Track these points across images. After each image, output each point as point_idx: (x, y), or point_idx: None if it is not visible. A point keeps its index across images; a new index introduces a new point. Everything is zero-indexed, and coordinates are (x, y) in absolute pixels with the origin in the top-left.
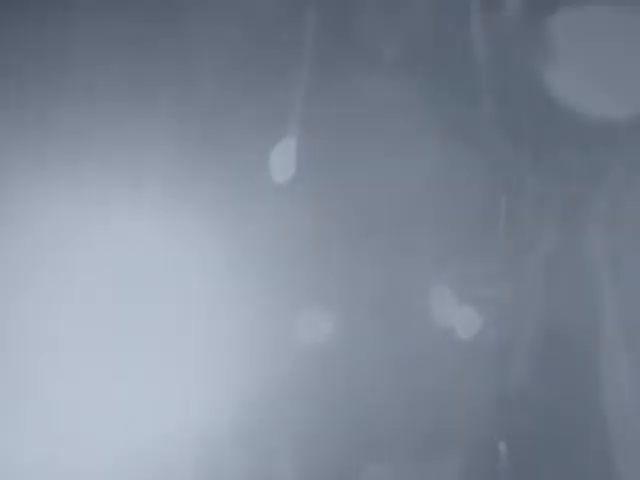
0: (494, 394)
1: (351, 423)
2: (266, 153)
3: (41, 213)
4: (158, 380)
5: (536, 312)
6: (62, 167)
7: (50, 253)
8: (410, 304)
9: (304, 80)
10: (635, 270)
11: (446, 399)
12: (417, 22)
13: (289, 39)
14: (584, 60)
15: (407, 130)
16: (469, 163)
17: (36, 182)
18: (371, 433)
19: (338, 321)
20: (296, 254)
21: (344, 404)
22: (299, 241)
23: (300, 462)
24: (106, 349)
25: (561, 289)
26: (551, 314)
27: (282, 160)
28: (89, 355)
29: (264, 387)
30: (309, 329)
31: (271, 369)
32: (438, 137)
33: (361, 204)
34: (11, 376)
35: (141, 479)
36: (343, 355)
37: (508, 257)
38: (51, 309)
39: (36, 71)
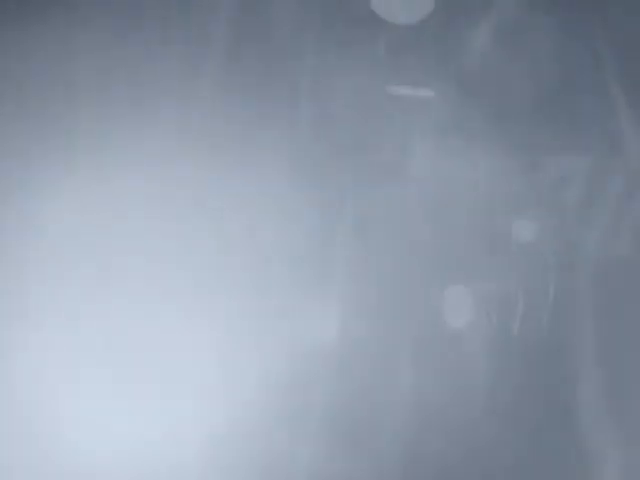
0: (490, 386)
1: (355, 420)
2: (273, 152)
3: (41, 217)
4: (166, 381)
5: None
6: (62, 169)
7: (53, 256)
8: (415, 300)
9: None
10: (635, 271)
11: (450, 391)
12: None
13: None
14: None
15: (412, 132)
16: (473, 165)
17: (35, 184)
18: (376, 428)
19: (343, 320)
20: (304, 255)
21: (350, 401)
22: (308, 242)
23: (312, 463)
24: (116, 349)
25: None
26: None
27: (288, 158)
28: (97, 354)
29: (272, 387)
30: (314, 326)
31: (280, 367)
32: (442, 140)
33: (367, 199)
34: (18, 379)
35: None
36: (348, 353)
37: (509, 252)
38: (54, 312)
39: (34, 69)
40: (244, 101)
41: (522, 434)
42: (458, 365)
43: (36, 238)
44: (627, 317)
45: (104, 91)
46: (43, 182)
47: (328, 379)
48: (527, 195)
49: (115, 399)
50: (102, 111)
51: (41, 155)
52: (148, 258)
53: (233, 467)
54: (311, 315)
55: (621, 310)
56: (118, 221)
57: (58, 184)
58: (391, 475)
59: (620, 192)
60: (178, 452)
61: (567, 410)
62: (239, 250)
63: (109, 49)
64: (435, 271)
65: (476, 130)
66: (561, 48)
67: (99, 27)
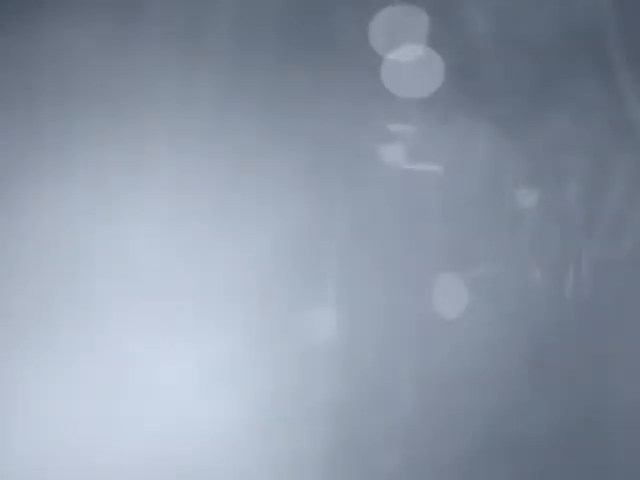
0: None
1: (357, 416)
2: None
3: (37, 215)
4: (168, 381)
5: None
6: (59, 167)
7: (48, 255)
8: (416, 295)
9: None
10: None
11: (449, 382)
12: None
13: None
14: None
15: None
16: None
17: (32, 183)
18: (379, 421)
19: (344, 318)
20: (302, 255)
21: (353, 399)
22: (303, 235)
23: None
24: (113, 346)
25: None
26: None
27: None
28: (94, 353)
29: (272, 388)
30: (315, 326)
31: (278, 369)
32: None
33: (363, 194)
34: (17, 376)
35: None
36: (349, 351)
37: (509, 252)
38: (52, 310)
39: (30, 66)
40: (245, 104)
41: (522, 432)
42: (461, 361)
43: (26, 254)
44: (627, 315)
45: (102, 92)
46: (36, 190)
47: (331, 378)
48: (528, 190)
49: (118, 397)
50: (99, 114)
51: (33, 162)
52: (147, 262)
53: (236, 467)
54: (311, 315)
55: (621, 308)
56: (115, 225)
57: (55, 188)
58: (395, 473)
59: (626, 186)
60: (180, 453)
61: (565, 409)
62: (239, 252)
63: (107, 48)
64: (435, 266)
65: (475, 125)
66: (562, 30)
67: (95, 27)
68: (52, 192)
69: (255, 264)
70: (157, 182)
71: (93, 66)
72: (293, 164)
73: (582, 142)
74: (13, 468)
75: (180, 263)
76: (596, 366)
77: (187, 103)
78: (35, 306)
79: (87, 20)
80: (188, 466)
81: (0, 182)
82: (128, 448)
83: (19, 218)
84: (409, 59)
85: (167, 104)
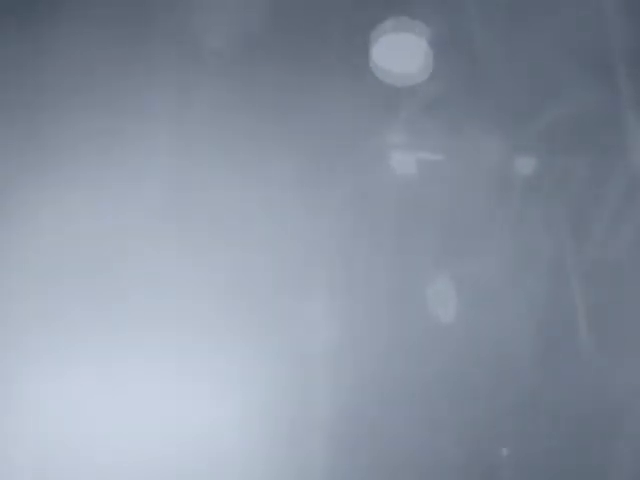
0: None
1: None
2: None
3: (37, 213)
4: (169, 383)
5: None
6: (61, 168)
7: (49, 255)
8: (415, 299)
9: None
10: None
11: (448, 387)
12: None
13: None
14: None
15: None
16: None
17: (31, 182)
18: (377, 426)
19: (343, 321)
20: (303, 259)
21: (348, 402)
22: (303, 241)
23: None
24: (113, 346)
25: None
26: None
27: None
28: (95, 353)
29: (272, 392)
30: (315, 329)
31: (279, 372)
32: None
33: (363, 199)
34: (17, 376)
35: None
36: (348, 353)
37: (508, 253)
38: (53, 310)
39: (28, 67)
40: (244, 106)
41: (522, 431)
42: (458, 361)
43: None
44: (625, 316)
45: (102, 93)
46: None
47: (329, 380)
48: (529, 192)
49: (118, 399)
50: (99, 115)
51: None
52: (147, 262)
53: (236, 468)
54: (311, 318)
55: (620, 309)
56: (115, 225)
57: (55, 189)
58: (392, 474)
59: (622, 190)
60: (180, 454)
61: (566, 408)
62: (239, 255)
63: (108, 50)
64: (436, 267)
65: (474, 125)
66: (563, 31)
67: (97, 29)
68: (52, 192)
69: (255, 266)
70: (157, 183)
71: (94, 68)
72: (293, 164)
73: (582, 142)
74: (13, 468)
75: (180, 264)
76: (597, 366)
77: (187, 106)
78: (35, 306)
79: (88, 22)
80: (188, 467)
81: (0, 182)
82: (128, 448)
83: (19, 218)
84: (409, 58)
85: (167, 107)
